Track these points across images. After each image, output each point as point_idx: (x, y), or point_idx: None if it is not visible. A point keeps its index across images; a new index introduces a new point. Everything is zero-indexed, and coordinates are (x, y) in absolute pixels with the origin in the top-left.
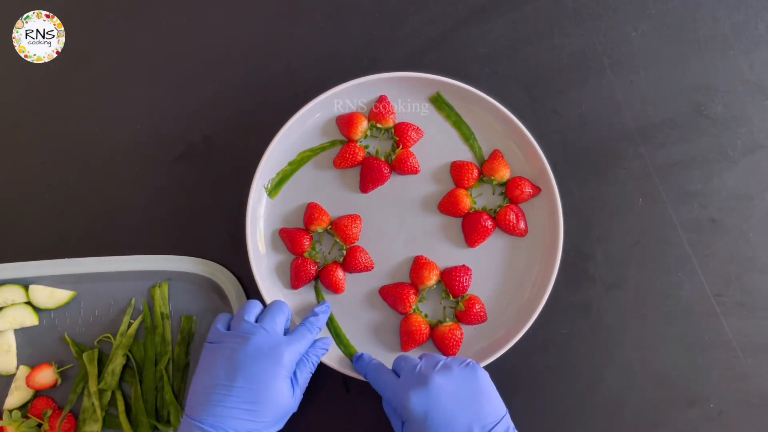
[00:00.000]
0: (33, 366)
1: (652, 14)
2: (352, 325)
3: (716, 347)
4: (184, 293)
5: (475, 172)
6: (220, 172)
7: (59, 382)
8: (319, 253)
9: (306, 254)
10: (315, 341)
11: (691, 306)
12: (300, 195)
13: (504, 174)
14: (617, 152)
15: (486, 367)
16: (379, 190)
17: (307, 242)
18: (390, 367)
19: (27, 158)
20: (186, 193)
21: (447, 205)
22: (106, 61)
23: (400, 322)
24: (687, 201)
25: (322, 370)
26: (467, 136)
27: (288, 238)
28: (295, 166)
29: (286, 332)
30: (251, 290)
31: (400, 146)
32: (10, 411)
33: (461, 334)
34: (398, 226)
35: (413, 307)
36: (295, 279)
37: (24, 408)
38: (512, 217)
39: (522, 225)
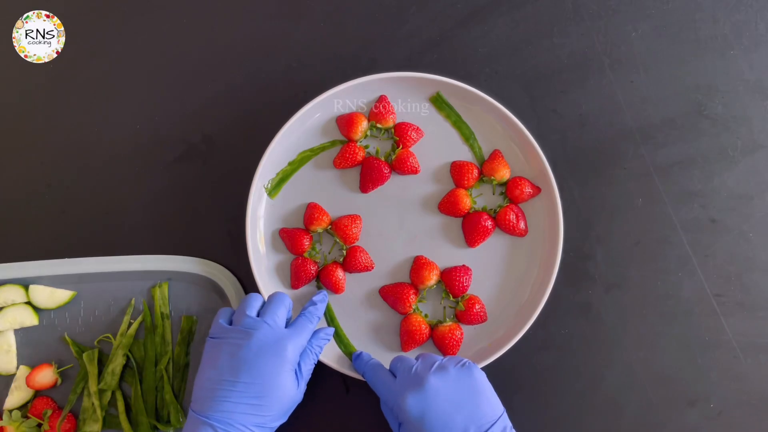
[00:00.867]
0: (33, 366)
1: (652, 14)
2: (352, 325)
3: (716, 347)
4: (184, 293)
5: (475, 172)
6: (220, 172)
7: (59, 382)
8: (319, 253)
9: (306, 254)
10: (316, 331)
11: (691, 306)
12: (300, 195)
13: (504, 174)
14: (617, 152)
15: (486, 367)
16: (379, 190)
17: (307, 242)
18: (389, 367)
19: (27, 158)
20: (186, 193)
21: (447, 205)
22: (106, 61)
23: (400, 322)
24: (687, 201)
25: (321, 370)
26: (467, 136)
27: (288, 238)
28: (295, 166)
29: (288, 323)
30: (251, 290)
31: (400, 146)
32: (10, 411)
33: (461, 334)
34: (398, 226)
35: (413, 307)
36: (295, 279)
37: (24, 408)
38: (512, 217)
39: (522, 225)
